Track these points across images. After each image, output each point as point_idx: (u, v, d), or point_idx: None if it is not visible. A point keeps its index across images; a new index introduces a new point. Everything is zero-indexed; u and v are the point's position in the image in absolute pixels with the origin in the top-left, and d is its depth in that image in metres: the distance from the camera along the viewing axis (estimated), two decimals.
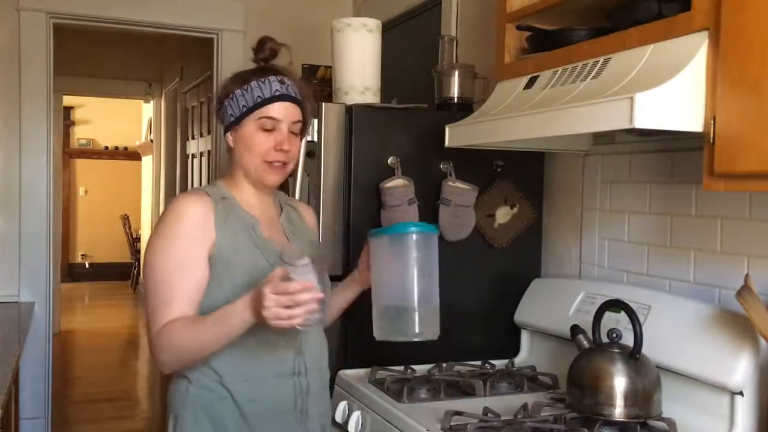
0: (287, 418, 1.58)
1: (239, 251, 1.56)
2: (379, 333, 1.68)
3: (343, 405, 1.97)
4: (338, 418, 1.95)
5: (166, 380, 1.67)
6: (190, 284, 1.50)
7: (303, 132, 1.67)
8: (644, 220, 2.04)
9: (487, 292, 2.36)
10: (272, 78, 1.59)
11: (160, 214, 1.61)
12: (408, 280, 1.65)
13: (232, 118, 1.60)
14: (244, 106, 1.58)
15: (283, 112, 1.58)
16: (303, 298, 1.34)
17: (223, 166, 3.81)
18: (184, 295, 1.50)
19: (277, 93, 1.57)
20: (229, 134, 1.63)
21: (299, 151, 1.65)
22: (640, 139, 2.03)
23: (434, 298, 1.69)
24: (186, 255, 1.51)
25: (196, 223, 1.52)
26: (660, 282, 1.98)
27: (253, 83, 1.58)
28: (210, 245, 1.53)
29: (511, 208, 2.35)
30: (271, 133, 1.58)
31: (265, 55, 1.65)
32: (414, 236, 1.67)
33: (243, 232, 1.58)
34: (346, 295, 1.83)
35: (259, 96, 1.57)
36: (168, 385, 1.65)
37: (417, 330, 1.64)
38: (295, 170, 2.15)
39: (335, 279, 1.81)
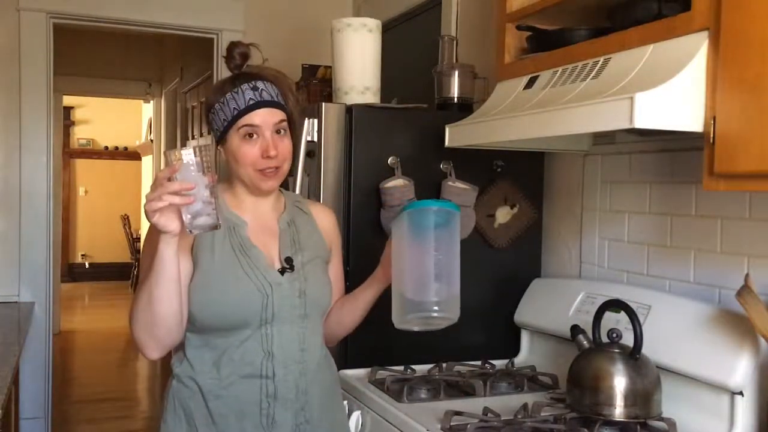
0: (251, 421, 1.56)
1: (215, 249, 1.58)
2: (397, 318, 1.60)
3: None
4: None
5: (166, 380, 1.68)
6: None
7: (292, 127, 1.65)
8: (644, 220, 2.04)
9: (487, 292, 2.36)
10: (245, 86, 1.58)
11: None
12: (427, 256, 1.58)
13: (218, 133, 1.63)
14: (224, 119, 1.59)
15: (260, 118, 1.57)
16: (173, 188, 1.37)
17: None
18: None
19: (252, 102, 1.57)
20: (219, 148, 1.65)
21: (290, 150, 1.63)
22: (640, 139, 2.03)
23: (454, 277, 1.61)
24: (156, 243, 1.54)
25: None
26: (660, 282, 1.98)
27: (228, 95, 1.58)
28: (190, 238, 1.55)
29: (511, 208, 2.35)
30: (255, 140, 1.58)
31: (237, 63, 1.64)
32: (434, 210, 1.62)
33: (222, 230, 1.58)
34: (365, 296, 1.74)
35: (235, 108, 1.57)
36: None
37: (436, 305, 1.56)
38: (294, 170, 2.15)
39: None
